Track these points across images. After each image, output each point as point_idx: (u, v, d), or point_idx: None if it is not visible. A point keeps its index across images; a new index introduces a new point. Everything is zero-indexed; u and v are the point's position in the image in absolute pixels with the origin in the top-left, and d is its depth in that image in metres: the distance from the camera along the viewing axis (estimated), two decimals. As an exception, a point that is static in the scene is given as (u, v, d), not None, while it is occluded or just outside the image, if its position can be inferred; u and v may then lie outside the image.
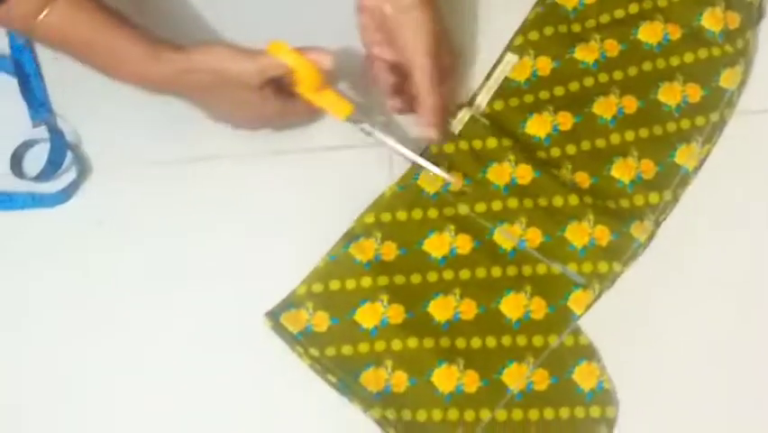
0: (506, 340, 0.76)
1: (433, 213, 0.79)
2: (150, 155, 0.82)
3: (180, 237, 0.80)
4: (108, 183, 0.82)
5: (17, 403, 0.77)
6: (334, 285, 0.77)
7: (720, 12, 0.81)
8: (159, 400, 0.76)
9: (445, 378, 0.74)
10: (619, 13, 0.83)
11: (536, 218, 0.78)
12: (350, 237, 0.78)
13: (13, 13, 0.68)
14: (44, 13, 0.68)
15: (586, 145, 0.80)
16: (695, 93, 0.80)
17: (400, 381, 0.75)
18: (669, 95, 0.81)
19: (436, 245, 0.78)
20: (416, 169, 0.79)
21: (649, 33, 0.82)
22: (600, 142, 0.80)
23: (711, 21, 0.82)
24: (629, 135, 0.80)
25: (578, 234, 0.77)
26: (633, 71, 0.82)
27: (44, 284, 0.79)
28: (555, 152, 0.80)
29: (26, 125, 0.82)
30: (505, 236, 0.78)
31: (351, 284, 0.77)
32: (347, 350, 0.75)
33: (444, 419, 0.74)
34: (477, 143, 0.80)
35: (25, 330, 0.78)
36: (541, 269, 0.77)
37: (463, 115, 0.80)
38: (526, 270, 0.77)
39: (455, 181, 0.78)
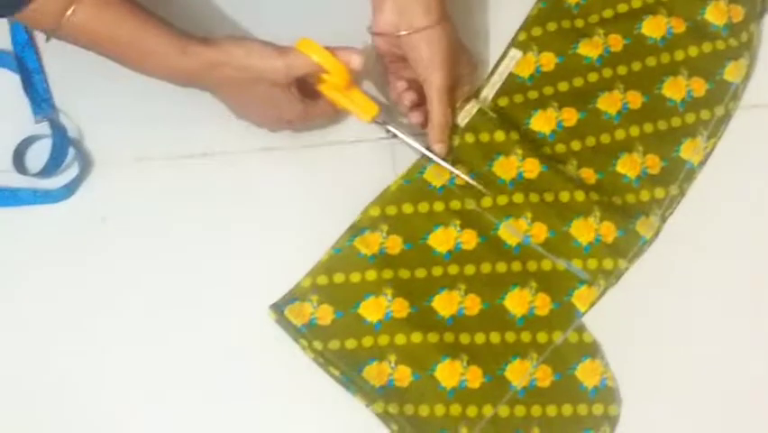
0: (509, 336, 0.75)
1: (439, 206, 0.78)
2: (153, 151, 0.82)
3: (184, 232, 0.80)
4: (111, 179, 0.82)
5: (20, 398, 0.77)
6: (339, 278, 0.76)
7: (724, 5, 0.82)
8: (163, 394, 0.76)
9: (448, 373, 0.74)
10: (623, 8, 0.83)
11: (542, 214, 0.77)
12: (355, 230, 0.78)
13: (40, 12, 0.68)
14: (70, 10, 0.68)
15: (591, 141, 0.80)
16: (700, 87, 0.80)
17: (403, 375, 0.74)
18: (673, 89, 0.80)
19: (441, 240, 0.78)
20: (423, 163, 0.79)
21: (653, 28, 0.82)
22: (605, 138, 0.80)
23: (715, 14, 0.82)
24: (634, 130, 0.80)
25: (583, 230, 0.77)
26: (637, 66, 0.82)
27: (47, 280, 0.79)
28: (560, 148, 0.80)
29: (29, 121, 0.82)
30: (510, 232, 0.77)
31: (355, 277, 0.76)
32: (351, 344, 0.75)
33: (447, 414, 0.73)
34: (484, 136, 0.80)
35: (28, 326, 0.78)
36: (546, 265, 0.77)
37: (471, 107, 0.80)
38: (531, 265, 0.77)
39: (486, 192, 0.78)
